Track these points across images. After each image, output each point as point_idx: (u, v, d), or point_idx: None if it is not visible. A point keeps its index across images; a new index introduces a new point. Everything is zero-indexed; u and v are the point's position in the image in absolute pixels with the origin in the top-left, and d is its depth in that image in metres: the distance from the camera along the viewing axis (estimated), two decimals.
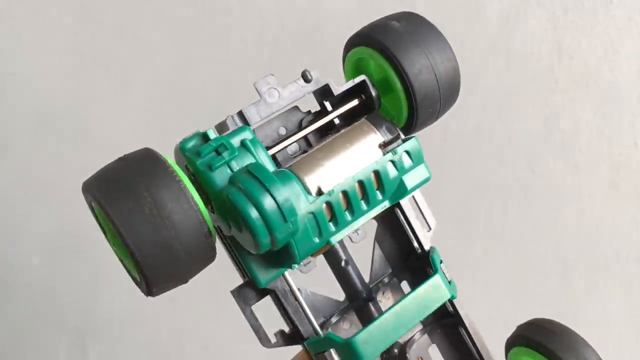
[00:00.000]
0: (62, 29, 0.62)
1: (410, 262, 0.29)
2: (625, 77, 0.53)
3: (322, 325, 0.28)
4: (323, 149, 0.25)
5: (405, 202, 0.27)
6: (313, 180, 0.23)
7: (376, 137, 0.25)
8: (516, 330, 0.30)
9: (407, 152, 0.25)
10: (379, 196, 0.24)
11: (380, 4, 0.55)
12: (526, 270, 0.56)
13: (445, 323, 0.29)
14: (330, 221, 0.23)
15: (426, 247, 0.28)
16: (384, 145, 0.25)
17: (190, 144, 0.24)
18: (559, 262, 0.56)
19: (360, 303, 0.28)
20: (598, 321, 0.55)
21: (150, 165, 0.22)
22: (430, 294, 0.25)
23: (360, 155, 0.24)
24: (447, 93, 0.27)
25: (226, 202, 0.22)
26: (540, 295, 0.56)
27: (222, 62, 0.59)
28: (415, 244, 0.28)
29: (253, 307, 0.26)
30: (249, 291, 0.25)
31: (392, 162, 0.24)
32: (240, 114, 0.26)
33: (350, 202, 0.24)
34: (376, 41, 0.26)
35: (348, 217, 0.24)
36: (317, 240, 0.23)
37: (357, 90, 0.27)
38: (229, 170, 0.23)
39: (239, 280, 0.26)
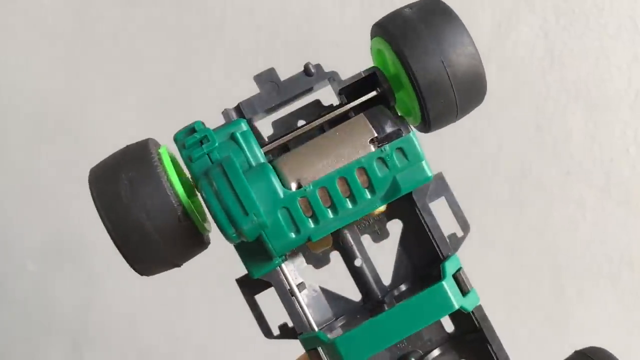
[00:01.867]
0: (58, 31, 0.62)
1: (433, 267, 0.27)
2: (616, 83, 0.53)
3: (329, 324, 0.27)
4: (314, 143, 0.24)
5: (422, 202, 0.25)
6: (293, 174, 0.23)
7: (369, 133, 0.24)
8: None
9: (401, 149, 0.23)
10: (368, 195, 0.23)
11: (374, 11, 0.56)
12: (518, 275, 0.57)
13: (471, 338, 0.27)
14: (310, 217, 0.23)
15: (445, 253, 0.26)
16: (376, 141, 0.23)
17: (181, 136, 0.24)
18: (550, 267, 0.56)
19: (374, 305, 0.27)
20: (590, 325, 0.56)
21: (136, 153, 0.24)
22: (430, 302, 0.23)
23: (349, 151, 0.23)
24: (464, 93, 0.24)
25: (200, 192, 0.23)
26: (533, 300, 0.56)
27: (217, 64, 0.59)
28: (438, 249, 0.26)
29: (258, 298, 0.26)
30: (253, 281, 0.25)
31: (382, 159, 0.23)
32: (237, 108, 0.25)
33: (331, 198, 0.23)
34: (387, 31, 0.24)
35: (329, 214, 0.23)
36: (293, 235, 0.23)
37: (374, 83, 0.25)
38: (209, 162, 0.23)
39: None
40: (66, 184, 0.66)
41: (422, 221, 0.26)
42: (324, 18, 0.56)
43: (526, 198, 0.55)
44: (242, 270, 0.26)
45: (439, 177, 0.26)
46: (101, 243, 0.72)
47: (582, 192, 0.55)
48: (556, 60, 0.54)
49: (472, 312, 0.25)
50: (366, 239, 0.28)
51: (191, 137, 0.23)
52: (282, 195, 0.22)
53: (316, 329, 0.24)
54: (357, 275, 0.27)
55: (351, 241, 0.27)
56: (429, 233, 0.26)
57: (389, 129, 0.24)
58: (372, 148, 0.23)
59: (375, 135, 0.23)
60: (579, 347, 0.30)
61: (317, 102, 0.27)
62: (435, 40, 0.23)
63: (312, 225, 0.23)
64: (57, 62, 0.63)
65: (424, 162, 0.24)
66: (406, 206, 0.26)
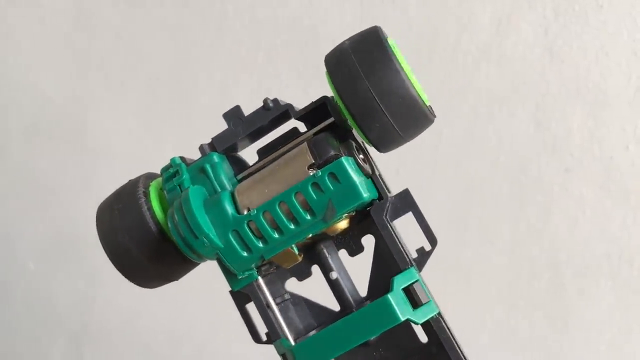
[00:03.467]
0: (59, 34, 0.62)
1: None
2: (615, 80, 0.53)
3: (308, 332, 0.29)
4: (267, 171, 0.27)
5: (379, 218, 0.27)
6: (245, 199, 0.26)
7: (307, 159, 0.26)
8: None
9: (333, 174, 0.25)
10: (308, 216, 0.25)
11: (374, 10, 0.56)
12: (518, 273, 0.57)
13: (437, 350, 0.28)
14: (260, 238, 0.26)
15: (402, 267, 0.27)
16: (314, 167, 0.26)
17: (163, 170, 0.28)
18: (550, 265, 0.56)
19: (348, 315, 0.29)
20: (590, 322, 0.56)
21: (126, 188, 0.28)
22: (377, 314, 0.25)
23: (291, 177, 0.26)
24: (401, 117, 0.25)
25: None
26: (532, 297, 0.56)
27: (217, 65, 0.59)
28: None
29: (248, 307, 0.28)
30: (242, 293, 0.28)
31: (316, 183, 0.25)
32: (211, 143, 0.28)
33: (276, 221, 0.25)
34: (327, 65, 0.26)
35: (276, 234, 0.25)
36: (245, 254, 0.26)
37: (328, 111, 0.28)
38: (179, 192, 0.26)
39: None
40: (67, 184, 0.66)
41: (381, 237, 0.27)
42: (323, 14, 0.56)
43: (525, 195, 0.55)
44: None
45: (405, 194, 0.27)
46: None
47: (582, 189, 0.55)
48: (555, 57, 0.54)
49: (430, 323, 0.26)
50: (344, 254, 0.30)
51: (167, 172, 0.27)
52: (231, 219, 0.25)
53: (288, 336, 0.27)
54: (334, 287, 0.30)
55: (327, 255, 0.30)
56: (388, 247, 0.27)
57: (326, 154, 0.26)
58: (310, 173, 0.26)
59: (312, 162, 0.26)
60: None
61: (294, 129, 0.29)
62: (363, 69, 0.25)
63: (261, 245, 0.26)
64: (59, 63, 0.63)
65: (356, 185, 0.25)
66: (374, 223, 0.28)
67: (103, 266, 0.69)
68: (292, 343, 0.26)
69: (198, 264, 0.28)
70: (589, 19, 0.53)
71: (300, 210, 0.25)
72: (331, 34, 0.56)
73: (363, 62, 0.25)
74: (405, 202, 0.27)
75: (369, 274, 0.29)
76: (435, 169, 0.57)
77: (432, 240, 0.27)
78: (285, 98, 0.60)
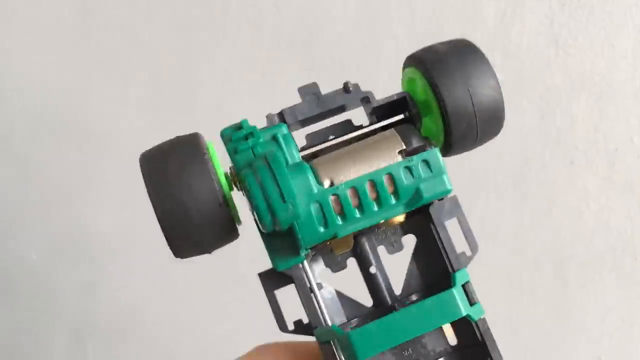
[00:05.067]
0: (61, 25, 0.62)
1: (443, 281, 0.28)
2: (621, 72, 0.53)
3: (341, 324, 0.29)
4: (348, 150, 0.27)
5: (438, 219, 0.27)
6: (327, 174, 0.25)
7: (398, 145, 0.26)
8: None
9: (426, 162, 0.25)
10: (392, 200, 0.25)
11: (377, 1, 0.55)
12: (521, 266, 0.57)
13: (471, 352, 0.28)
14: (338, 214, 0.25)
15: (455, 267, 0.27)
16: (404, 153, 0.26)
17: (228, 131, 0.27)
18: (553, 257, 0.56)
19: (384, 311, 0.29)
20: (593, 315, 0.56)
21: (187, 140, 0.27)
22: (440, 307, 0.25)
23: (379, 158, 0.26)
24: (485, 122, 0.27)
25: (243, 182, 0.25)
26: (535, 290, 0.56)
27: (221, 57, 0.59)
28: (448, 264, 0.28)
29: (277, 293, 0.27)
30: (275, 276, 0.27)
31: (408, 168, 0.25)
32: (280, 114, 0.28)
33: (360, 199, 0.25)
34: (421, 62, 0.27)
35: (357, 213, 0.25)
36: (322, 229, 0.25)
37: (402, 107, 0.28)
38: (252, 155, 0.25)
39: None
40: (69, 176, 0.66)
41: (437, 236, 0.27)
42: (327, 3, 0.56)
43: (529, 188, 0.55)
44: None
45: (453, 199, 0.28)
46: (105, 233, 0.72)
47: (586, 182, 0.54)
48: (561, 48, 0.53)
49: (477, 323, 0.27)
50: (382, 250, 0.30)
51: (238, 132, 0.26)
52: (316, 190, 0.25)
53: (330, 323, 0.26)
54: (371, 282, 0.29)
55: (368, 249, 0.29)
56: (442, 248, 0.27)
57: (416, 143, 0.26)
58: (400, 158, 0.26)
59: (404, 147, 0.26)
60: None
61: (349, 121, 0.29)
62: (463, 72, 0.27)
63: (339, 221, 0.25)
64: (60, 56, 0.63)
65: (445, 176, 0.26)
66: (421, 222, 0.28)
67: (107, 257, 0.70)
68: (344, 331, 0.25)
69: (235, 239, 0.27)
70: (594, 10, 0.53)
71: (387, 192, 0.25)
72: (334, 24, 0.55)
73: (461, 65, 0.27)
74: (454, 207, 0.28)
75: (406, 274, 0.29)
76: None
77: (474, 246, 0.28)
78: (290, 90, 0.60)
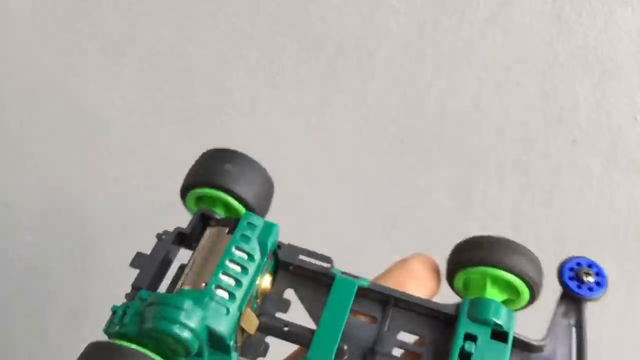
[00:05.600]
0: (56, 3, 0.60)
1: None
2: (624, 50, 0.52)
3: None
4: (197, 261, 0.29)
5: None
6: (199, 280, 0.27)
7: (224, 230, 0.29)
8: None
9: (250, 223, 0.28)
10: (252, 267, 0.27)
11: None
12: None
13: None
14: (229, 299, 0.26)
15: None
16: (230, 231, 0.28)
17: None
18: (555, 237, 0.56)
19: None
20: None
21: None
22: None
23: (219, 250, 0.28)
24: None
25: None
26: None
27: (217, 36, 0.58)
28: None
29: None
30: None
31: (243, 235, 0.28)
32: (133, 290, 0.30)
33: (234, 281, 0.27)
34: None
35: (235, 286, 0.27)
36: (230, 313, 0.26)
37: None
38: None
39: None
40: (64, 155, 0.65)
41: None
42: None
43: (532, 167, 0.55)
44: None
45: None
46: (99, 214, 0.71)
47: (589, 161, 0.54)
48: (564, 26, 0.53)
49: None
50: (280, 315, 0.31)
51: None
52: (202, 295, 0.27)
53: None
54: (290, 335, 0.30)
55: (268, 320, 0.30)
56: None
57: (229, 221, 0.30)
58: (228, 240, 0.28)
59: (228, 228, 0.29)
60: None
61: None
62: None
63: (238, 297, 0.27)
64: (55, 32, 0.61)
65: (264, 222, 0.29)
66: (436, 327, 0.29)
67: (101, 238, 0.69)
68: None
69: None
70: None
71: (244, 267, 0.27)
72: (332, 5, 0.54)
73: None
74: None
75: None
76: (440, 141, 0.56)
77: None
78: (287, 70, 0.59)
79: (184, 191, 0.33)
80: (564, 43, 0.53)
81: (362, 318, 0.30)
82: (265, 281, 0.29)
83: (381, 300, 0.30)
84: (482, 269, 0.30)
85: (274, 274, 0.31)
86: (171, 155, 0.62)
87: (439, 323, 0.29)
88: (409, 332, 0.29)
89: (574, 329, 0.29)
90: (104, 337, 0.27)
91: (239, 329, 0.27)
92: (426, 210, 0.57)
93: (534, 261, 0.31)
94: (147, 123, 0.61)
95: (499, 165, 0.55)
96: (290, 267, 0.30)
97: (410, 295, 0.29)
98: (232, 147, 0.33)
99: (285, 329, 0.29)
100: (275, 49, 0.57)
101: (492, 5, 0.53)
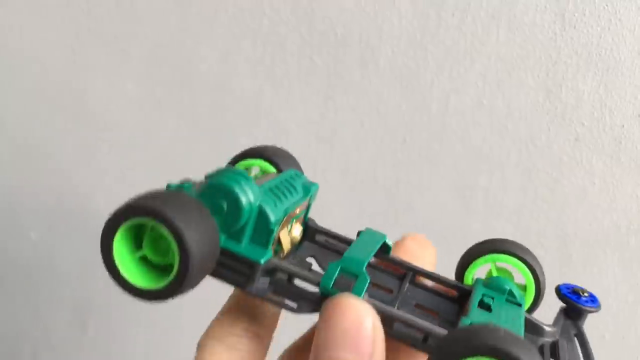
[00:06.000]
0: (58, 3, 0.60)
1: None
2: (628, 47, 0.52)
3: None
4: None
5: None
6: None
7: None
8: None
9: (297, 174, 0.31)
10: (295, 197, 0.29)
11: None
12: (524, 242, 0.56)
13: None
14: (279, 199, 0.28)
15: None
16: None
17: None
18: (557, 234, 0.56)
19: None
20: (596, 294, 0.55)
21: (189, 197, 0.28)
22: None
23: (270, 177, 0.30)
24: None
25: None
26: None
27: (220, 34, 0.58)
28: None
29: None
30: (260, 281, 0.28)
31: (291, 176, 0.30)
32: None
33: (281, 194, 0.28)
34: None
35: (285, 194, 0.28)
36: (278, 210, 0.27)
37: None
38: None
39: None
40: (68, 152, 0.65)
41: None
42: None
43: (534, 164, 0.55)
44: None
45: None
46: (105, 210, 0.71)
47: (592, 159, 0.54)
48: (567, 23, 0.52)
49: None
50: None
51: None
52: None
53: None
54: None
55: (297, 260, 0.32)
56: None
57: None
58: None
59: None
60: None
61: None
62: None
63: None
64: (58, 28, 0.62)
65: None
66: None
67: None
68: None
69: None
70: None
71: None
72: (336, 2, 0.54)
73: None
74: None
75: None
76: (443, 137, 0.56)
77: None
78: (290, 67, 0.59)
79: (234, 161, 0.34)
80: (567, 40, 0.53)
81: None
82: (296, 230, 0.30)
83: (398, 275, 0.31)
84: (493, 255, 0.31)
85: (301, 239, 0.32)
86: (174, 153, 0.62)
87: (453, 304, 0.30)
88: (424, 305, 0.30)
89: (575, 339, 0.29)
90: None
91: (276, 238, 0.28)
92: (429, 209, 0.57)
93: (539, 262, 0.32)
94: (150, 121, 0.61)
95: (501, 161, 0.55)
96: (316, 237, 0.32)
97: (431, 272, 0.30)
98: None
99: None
100: (279, 47, 0.57)
101: (496, 3, 0.53)
